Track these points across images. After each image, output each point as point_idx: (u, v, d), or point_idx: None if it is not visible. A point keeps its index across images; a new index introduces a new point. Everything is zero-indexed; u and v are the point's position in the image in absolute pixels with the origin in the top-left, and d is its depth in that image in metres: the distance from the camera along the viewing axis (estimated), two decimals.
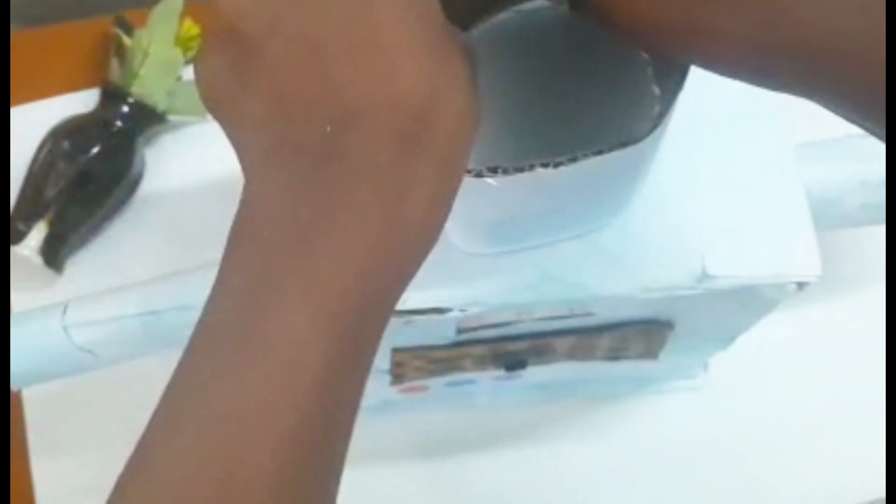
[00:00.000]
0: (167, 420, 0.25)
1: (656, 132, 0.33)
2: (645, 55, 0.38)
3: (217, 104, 0.26)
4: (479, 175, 0.32)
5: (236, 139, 0.26)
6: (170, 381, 0.26)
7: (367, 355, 0.27)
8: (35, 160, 0.65)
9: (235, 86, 0.25)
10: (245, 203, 0.26)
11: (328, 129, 0.24)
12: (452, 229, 0.39)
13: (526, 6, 0.36)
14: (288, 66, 0.24)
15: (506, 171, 0.32)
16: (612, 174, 0.36)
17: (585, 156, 0.32)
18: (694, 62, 0.30)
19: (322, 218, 0.24)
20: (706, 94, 0.33)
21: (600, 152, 0.32)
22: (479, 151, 0.32)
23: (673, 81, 0.32)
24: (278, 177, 0.25)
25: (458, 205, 0.36)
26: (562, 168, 0.32)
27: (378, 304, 0.26)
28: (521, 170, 0.32)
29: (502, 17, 0.38)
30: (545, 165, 0.32)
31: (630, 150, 0.32)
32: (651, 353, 0.52)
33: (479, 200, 0.35)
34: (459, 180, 0.27)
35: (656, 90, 0.37)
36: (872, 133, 0.27)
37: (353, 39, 0.24)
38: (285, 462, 0.24)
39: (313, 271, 0.24)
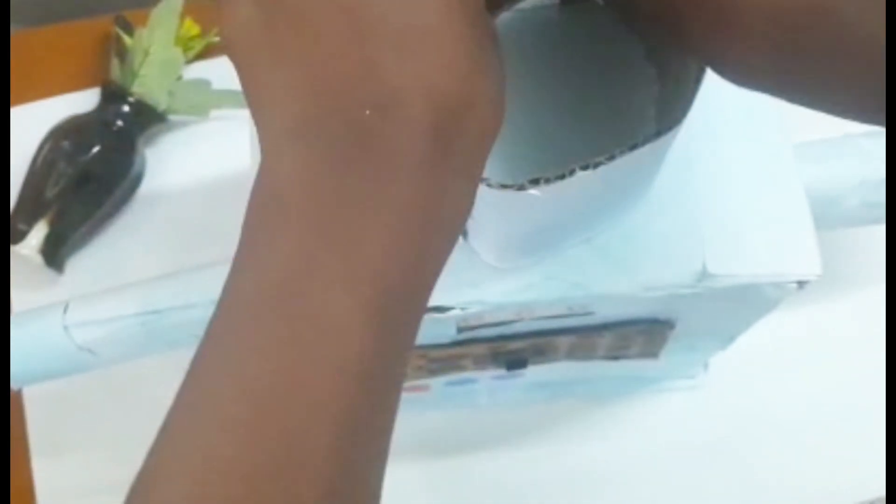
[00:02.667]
0: (202, 394, 0.24)
1: (685, 117, 0.33)
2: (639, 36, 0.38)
3: (243, 59, 0.25)
4: (521, 188, 0.32)
5: (259, 103, 0.25)
6: (197, 356, 0.25)
7: (407, 348, 0.26)
8: (35, 160, 0.65)
9: (268, 45, 0.24)
10: (269, 175, 0.25)
11: (367, 112, 0.23)
12: (485, 247, 0.39)
13: (522, 5, 0.36)
14: (332, 39, 0.23)
15: (548, 181, 0.32)
16: (643, 166, 0.36)
17: (622, 152, 0.32)
18: (683, 39, 0.29)
19: (363, 206, 0.24)
20: (707, 93, 0.33)
21: (636, 146, 0.32)
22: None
23: (685, 65, 0.32)
24: (311, 153, 0.24)
25: (497, 221, 0.36)
26: (601, 168, 0.32)
27: (416, 294, 0.26)
28: (563, 177, 0.32)
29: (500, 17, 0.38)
30: (585, 168, 0.32)
31: (662, 139, 0.32)
32: (651, 352, 0.52)
33: (517, 214, 0.35)
34: (481, 176, 0.27)
35: (653, 70, 0.37)
36: (860, 121, 0.27)
37: (404, 25, 0.23)
38: (339, 445, 0.23)
39: (357, 259, 0.24)
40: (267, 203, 0.25)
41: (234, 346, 0.24)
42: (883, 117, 0.26)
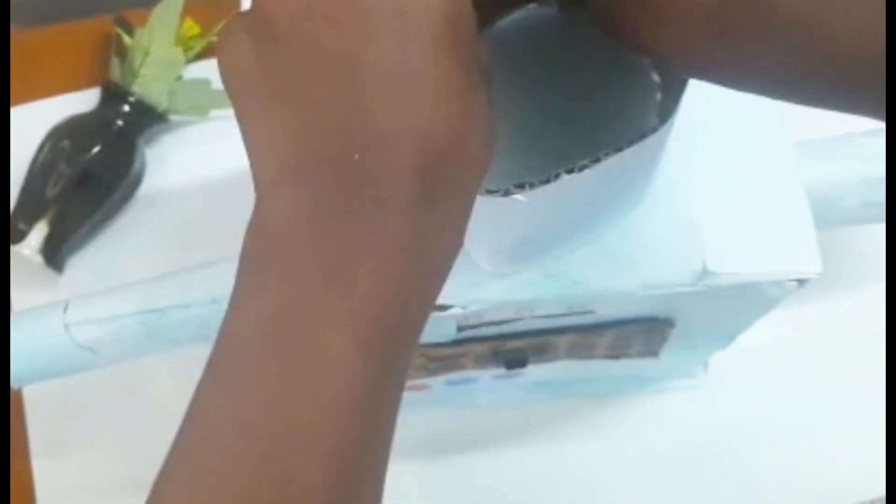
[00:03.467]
0: (203, 431, 0.25)
1: (672, 119, 0.33)
2: None
3: (238, 97, 0.25)
4: (507, 193, 0.32)
5: (253, 142, 0.25)
6: (197, 394, 0.25)
7: (402, 377, 0.27)
8: (35, 160, 0.65)
9: (262, 85, 0.25)
10: (263, 215, 0.25)
11: (357, 155, 0.24)
12: (479, 253, 0.39)
13: (521, 11, 0.36)
14: (323, 82, 0.24)
15: (533, 185, 0.32)
16: (631, 169, 0.36)
17: (607, 154, 0.32)
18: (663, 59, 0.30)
19: (354, 246, 0.24)
20: (707, 92, 0.33)
21: (620, 149, 0.32)
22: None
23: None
24: (303, 195, 0.24)
25: (487, 228, 0.36)
26: (586, 171, 0.32)
27: (409, 329, 0.26)
28: (548, 181, 0.32)
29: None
30: (570, 171, 0.32)
31: (648, 141, 0.32)
32: (652, 351, 0.52)
33: (507, 219, 0.35)
34: (472, 208, 0.27)
35: (656, 78, 0.37)
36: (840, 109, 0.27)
37: (395, 69, 0.24)
38: (336, 479, 0.24)
39: (349, 299, 0.24)
40: (261, 243, 0.25)
41: (232, 386, 0.25)
42: (827, 102, 0.27)
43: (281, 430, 0.24)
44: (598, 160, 0.32)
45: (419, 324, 0.27)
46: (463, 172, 0.25)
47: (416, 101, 0.24)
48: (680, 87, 0.32)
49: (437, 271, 0.27)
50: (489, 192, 0.32)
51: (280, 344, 0.24)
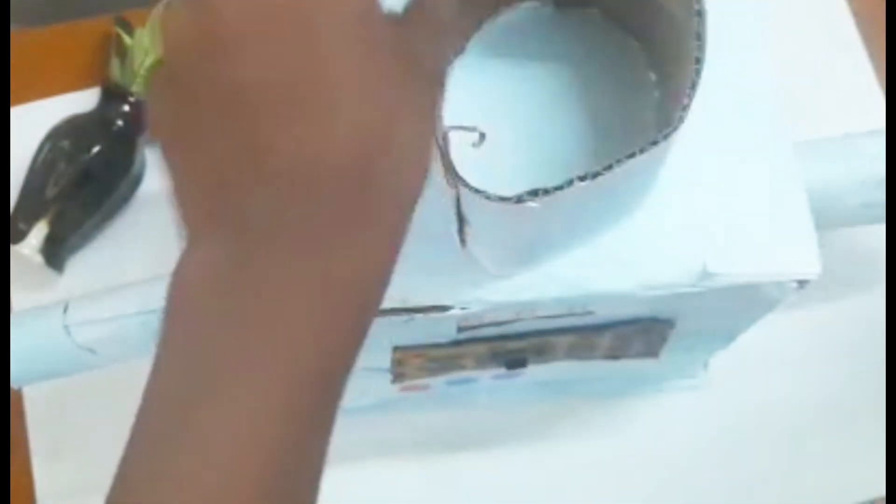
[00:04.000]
0: (132, 480, 0.25)
1: (682, 123, 0.33)
2: (637, 43, 0.38)
3: (164, 156, 0.25)
4: (520, 201, 0.32)
5: (176, 198, 0.25)
6: (123, 458, 0.25)
7: (327, 422, 0.25)
8: (35, 160, 0.65)
9: (178, 141, 0.24)
10: (178, 270, 0.25)
11: (261, 197, 0.22)
12: (484, 255, 0.39)
13: (519, 7, 0.36)
14: (221, 121, 0.22)
15: (547, 192, 0.32)
16: (641, 174, 0.36)
17: (620, 162, 0.32)
18: None
19: (266, 295, 0.23)
20: (707, 93, 0.33)
21: (633, 155, 0.32)
22: (486, 167, 0.31)
23: (683, 70, 0.32)
24: (213, 245, 0.23)
25: (494, 233, 0.36)
26: (599, 178, 0.32)
27: (334, 373, 0.25)
28: (561, 188, 0.32)
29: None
30: (583, 178, 0.32)
31: (660, 146, 0.32)
32: (652, 351, 0.52)
33: (516, 225, 0.35)
34: (407, 229, 0.25)
35: (653, 76, 0.37)
36: None
37: (304, 81, 0.22)
38: None
39: (263, 356, 0.23)
40: (174, 300, 0.25)
41: (154, 441, 0.24)
42: None
43: (194, 483, 0.23)
44: (611, 167, 0.31)
45: (347, 361, 0.25)
46: (391, 184, 0.23)
47: (313, 122, 0.22)
48: (691, 89, 0.32)
49: (364, 304, 0.25)
50: (502, 199, 0.32)
51: (194, 404, 0.23)
